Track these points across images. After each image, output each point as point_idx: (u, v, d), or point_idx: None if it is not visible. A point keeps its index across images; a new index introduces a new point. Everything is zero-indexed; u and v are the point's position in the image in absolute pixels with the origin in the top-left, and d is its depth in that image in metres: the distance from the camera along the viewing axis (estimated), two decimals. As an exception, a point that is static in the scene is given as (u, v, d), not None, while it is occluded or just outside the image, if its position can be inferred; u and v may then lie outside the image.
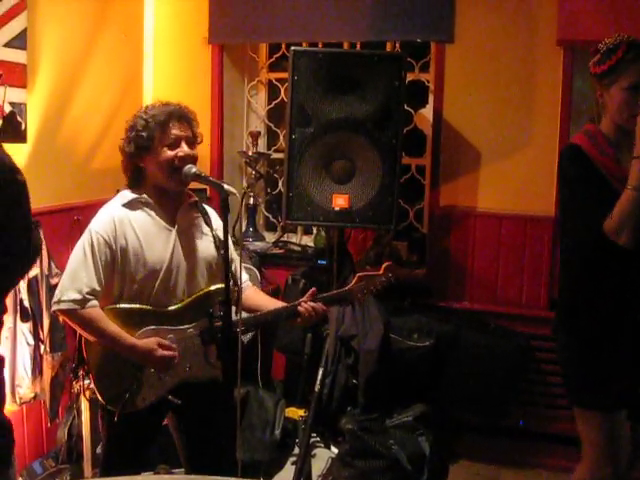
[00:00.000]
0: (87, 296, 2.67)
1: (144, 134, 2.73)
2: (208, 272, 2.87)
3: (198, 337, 2.78)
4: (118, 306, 2.74)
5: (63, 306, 2.68)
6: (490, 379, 4.12)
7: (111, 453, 2.88)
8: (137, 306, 2.74)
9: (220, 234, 2.82)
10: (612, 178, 2.63)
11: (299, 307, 2.87)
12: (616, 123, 2.67)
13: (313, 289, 2.94)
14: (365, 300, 3.12)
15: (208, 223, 2.88)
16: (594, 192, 2.66)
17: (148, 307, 2.75)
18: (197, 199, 2.90)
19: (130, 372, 2.72)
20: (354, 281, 3.00)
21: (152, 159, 2.75)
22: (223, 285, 2.51)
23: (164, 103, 2.81)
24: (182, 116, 2.78)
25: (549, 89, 4.28)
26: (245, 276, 3.06)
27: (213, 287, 2.82)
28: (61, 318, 3.32)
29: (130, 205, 2.78)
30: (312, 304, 2.87)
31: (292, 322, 2.95)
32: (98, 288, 2.69)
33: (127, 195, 2.81)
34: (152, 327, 2.74)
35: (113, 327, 2.69)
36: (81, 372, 2.90)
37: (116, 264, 2.72)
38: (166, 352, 2.71)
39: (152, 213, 2.80)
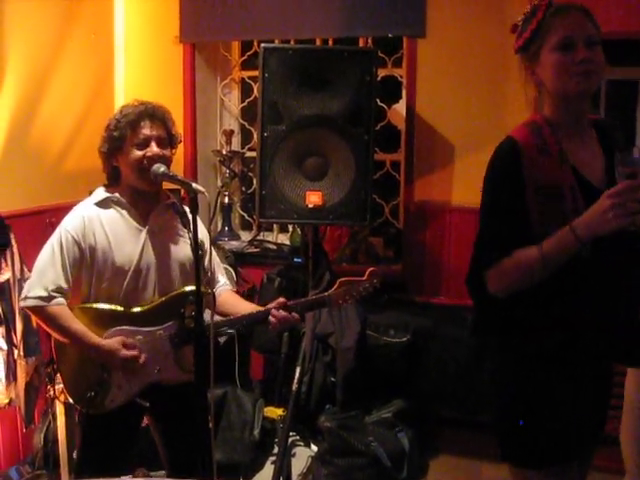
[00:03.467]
0: (53, 293, 2.67)
1: (115, 134, 2.73)
2: (182, 274, 2.85)
3: (167, 339, 2.76)
4: (87, 305, 2.74)
5: (29, 303, 2.70)
6: (468, 373, 4.12)
7: (85, 457, 2.86)
8: (106, 306, 2.73)
9: (205, 240, 2.82)
10: (537, 195, 2.09)
11: (269, 317, 2.80)
12: (559, 97, 2.17)
13: (281, 299, 2.85)
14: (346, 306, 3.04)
15: (186, 225, 2.85)
16: (501, 215, 2.15)
17: (117, 307, 2.74)
18: (175, 200, 2.88)
19: (97, 373, 2.71)
20: (335, 286, 2.90)
21: (124, 159, 2.75)
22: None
23: (139, 102, 2.80)
24: (154, 115, 2.76)
25: (522, 80, 4.26)
26: (222, 279, 3.04)
27: (186, 289, 2.78)
28: (34, 320, 3.30)
29: (102, 204, 2.78)
30: (284, 314, 2.79)
31: (265, 326, 2.89)
32: (65, 286, 2.69)
33: (100, 194, 2.81)
34: (120, 327, 2.73)
35: (78, 325, 2.68)
36: (53, 374, 2.89)
37: (84, 262, 2.72)
38: (129, 352, 2.69)
39: (124, 212, 2.78)
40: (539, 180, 2.09)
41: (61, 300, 2.69)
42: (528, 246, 2.07)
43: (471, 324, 2.38)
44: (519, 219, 2.09)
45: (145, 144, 2.72)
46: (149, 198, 2.81)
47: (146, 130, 2.73)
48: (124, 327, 2.73)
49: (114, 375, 2.72)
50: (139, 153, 2.71)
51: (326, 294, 2.90)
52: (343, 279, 2.91)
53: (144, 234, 2.78)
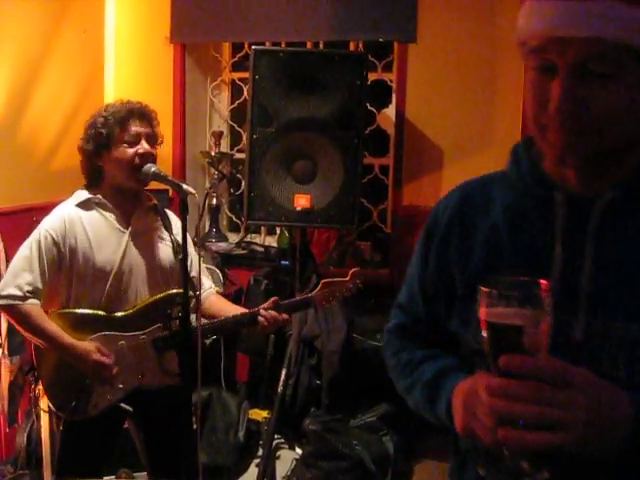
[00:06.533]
0: (27, 294, 2.62)
1: (103, 131, 2.68)
2: (165, 277, 2.82)
3: (150, 344, 2.72)
4: (67, 310, 2.69)
5: (1, 302, 2.64)
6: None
7: (65, 459, 2.83)
8: (87, 311, 2.68)
9: (188, 243, 2.77)
10: None
11: (258, 317, 2.77)
12: None
13: (274, 298, 2.84)
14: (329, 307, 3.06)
15: (167, 227, 2.82)
16: None
17: (99, 312, 2.69)
18: (156, 202, 2.85)
19: (79, 379, 2.66)
20: (319, 287, 2.92)
21: (111, 157, 2.70)
22: (180, 290, 2.47)
23: (124, 101, 2.77)
24: (143, 114, 2.74)
25: (511, 88, 4.28)
26: (208, 283, 3.01)
27: (169, 292, 2.76)
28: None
29: (84, 205, 2.73)
30: (273, 313, 2.77)
31: (252, 329, 2.86)
32: (40, 286, 2.64)
33: (82, 195, 2.76)
34: (103, 333, 2.68)
35: (51, 325, 2.63)
36: (32, 378, 2.85)
37: (63, 264, 2.67)
38: (102, 358, 2.64)
39: (106, 214, 2.74)
40: None
41: (35, 301, 2.64)
42: None
43: None
44: None
45: (136, 141, 2.69)
46: (131, 199, 2.78)
47: (136, 127, 2.70)
48: (106, 332, 2.69)
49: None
50: (130, 150, 2.67)
51: (310, 295, 2.94)
52: (326, 280, 2.96)
53: (126, 236, 2.74)
